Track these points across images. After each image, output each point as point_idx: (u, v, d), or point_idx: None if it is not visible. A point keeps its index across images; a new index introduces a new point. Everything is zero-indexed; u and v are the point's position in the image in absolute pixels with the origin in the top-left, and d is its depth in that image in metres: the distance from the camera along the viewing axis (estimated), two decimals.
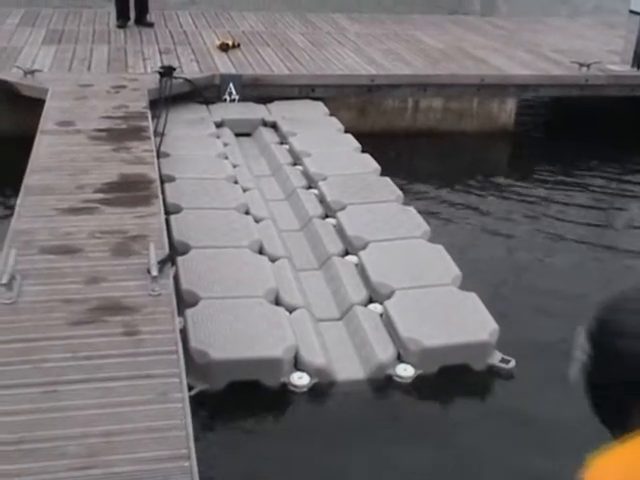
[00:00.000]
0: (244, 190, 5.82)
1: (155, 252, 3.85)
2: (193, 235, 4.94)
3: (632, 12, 8.33)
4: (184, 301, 4.26)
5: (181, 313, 4.08)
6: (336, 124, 7.24)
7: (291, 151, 6.72)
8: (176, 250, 4.72)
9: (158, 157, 5.85)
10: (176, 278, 4.44)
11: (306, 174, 6.25)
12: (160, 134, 6.37)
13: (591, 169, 7.59)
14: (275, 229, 5.34)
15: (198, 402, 3.56)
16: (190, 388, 3.41)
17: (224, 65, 7.88)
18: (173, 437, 2.73)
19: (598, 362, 1.19)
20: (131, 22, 9.27)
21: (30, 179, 4.82)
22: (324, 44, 9.05)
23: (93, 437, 2.70)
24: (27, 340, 3.20)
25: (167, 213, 5.20)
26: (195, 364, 3.80)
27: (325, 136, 6.92)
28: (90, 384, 2.96)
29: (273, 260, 4.85)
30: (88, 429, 2.73)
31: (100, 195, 4.64)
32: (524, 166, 7.63)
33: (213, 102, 7.48)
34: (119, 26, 9.13)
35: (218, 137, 6.80)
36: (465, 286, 4.62)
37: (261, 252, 4.94)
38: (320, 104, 7.63)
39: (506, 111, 8.18)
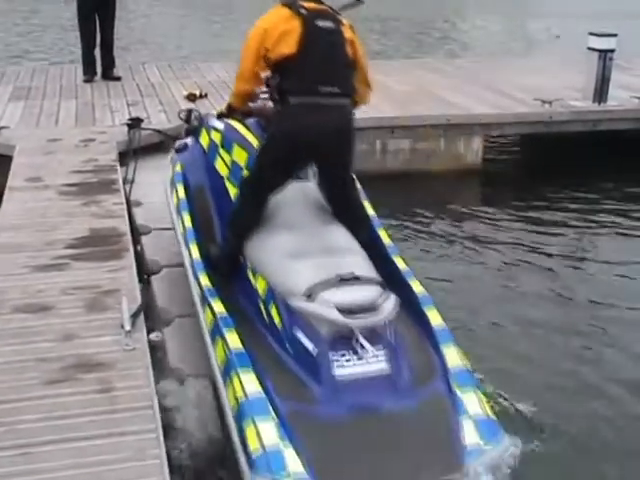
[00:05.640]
0: None
1: (127, 306, 3.83)
2: (176, 300, 4.55)
3: (590, 49, 8.56)
4: None
5: None
6: None
7: None
8: (161, 320, 4.46)
9: (130, 206, 5.82)
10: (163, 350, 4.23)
11: None
12: (130, 181, 6.32)
13: (561, 203, 7.69)
14: None
15: None
16: None
17: None
18: None
19: None
20: (98, 77, 9.32)
21: (0, 237, 4.80)
22: None
23: None
24: (0, 402, 3.15)
25: (146, 272, 4.92)
26: None
27: None
28: (65, 444, 2.91)
29: None
30: None
31: (71, 251, 4.62)
32: (494, 203, 7.70)
33: None
34: (86, 81, 9.17)
35: None
36: None
37: None
38: None
39: (473, 150, 8.29)
